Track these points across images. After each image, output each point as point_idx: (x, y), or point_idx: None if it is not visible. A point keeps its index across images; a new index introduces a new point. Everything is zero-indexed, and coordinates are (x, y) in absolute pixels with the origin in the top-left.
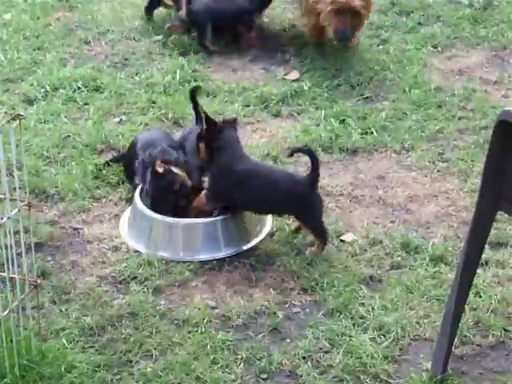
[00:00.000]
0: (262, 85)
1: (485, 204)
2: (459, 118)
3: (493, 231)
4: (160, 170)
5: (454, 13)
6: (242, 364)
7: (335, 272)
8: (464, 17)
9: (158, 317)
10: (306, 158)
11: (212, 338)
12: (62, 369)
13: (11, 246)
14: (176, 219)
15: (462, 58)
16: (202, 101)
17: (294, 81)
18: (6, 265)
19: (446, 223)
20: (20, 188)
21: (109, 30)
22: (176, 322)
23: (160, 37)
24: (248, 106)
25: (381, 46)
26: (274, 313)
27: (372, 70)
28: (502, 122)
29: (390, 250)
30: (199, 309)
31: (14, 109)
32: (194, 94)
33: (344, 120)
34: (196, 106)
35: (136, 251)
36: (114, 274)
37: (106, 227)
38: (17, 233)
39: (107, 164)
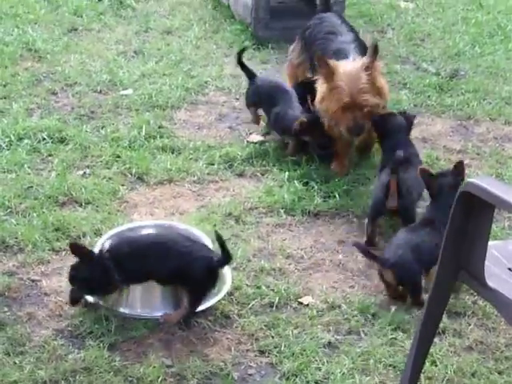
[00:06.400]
0: (227, 144)
1: (444, 273)
2: None
3: (451, 300)
4: None
5: (421, 80)
6: None
7: (292, 335)
8: (430, 85)
9: (112, 373)
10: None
11: None
12: None
13: None
14: None
15: (427, 126)
16: (167, 157)
17: (256, 142)
18: None
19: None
20: None
21: (76, 82)
22: (130, 379)
23: (127, 91)
24: (212, 164)
25: None
26: (230, 374)
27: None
28: (464, 193)
29: (347, 315)
30: (154, 367)
31: None
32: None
33: (307, 182)
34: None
35: (93, 306)
36: (70, 328)
37: (65, 280)
38: None
39: None
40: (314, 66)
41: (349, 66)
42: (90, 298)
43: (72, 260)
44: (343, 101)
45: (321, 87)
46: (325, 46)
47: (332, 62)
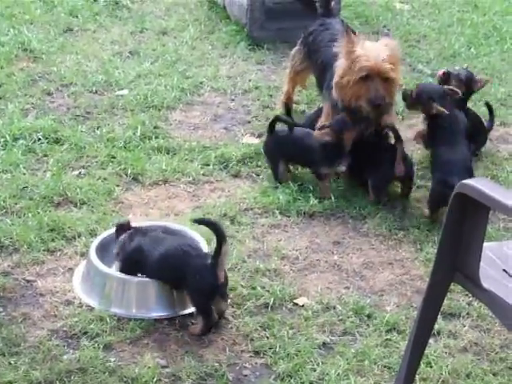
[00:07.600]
0: (222, 144)
1: (439, 275)
2: (417, 187)
3: (446, 301)
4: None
5: (417, 82)
6: None
7: (287, 336)
8: None
9: (107, 373)
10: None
11: None
12: None
13: None
14: (130, 276)
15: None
16: (162, 158)
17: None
18: None
19: (400, 291)
20: None
21: (72, 83)
22: (125, 379)
23: (122, 92)
24: (207, 165)
25: None
26: (224, 374)
27: None
28: (459, 194)
29: (342, 316)
30: (149, 367)
31: None
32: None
33: (302, 184)
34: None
35: (88, 306)
36: (65, 329)
37: (60, 280)
38: None
39: None
40: (317, 75)
41: (370, 42)
42: (84, 299)
43: (67, 261)
44: (366, 68)
45: (341, 63)
46: (327, 53)
47: (355, 36)
